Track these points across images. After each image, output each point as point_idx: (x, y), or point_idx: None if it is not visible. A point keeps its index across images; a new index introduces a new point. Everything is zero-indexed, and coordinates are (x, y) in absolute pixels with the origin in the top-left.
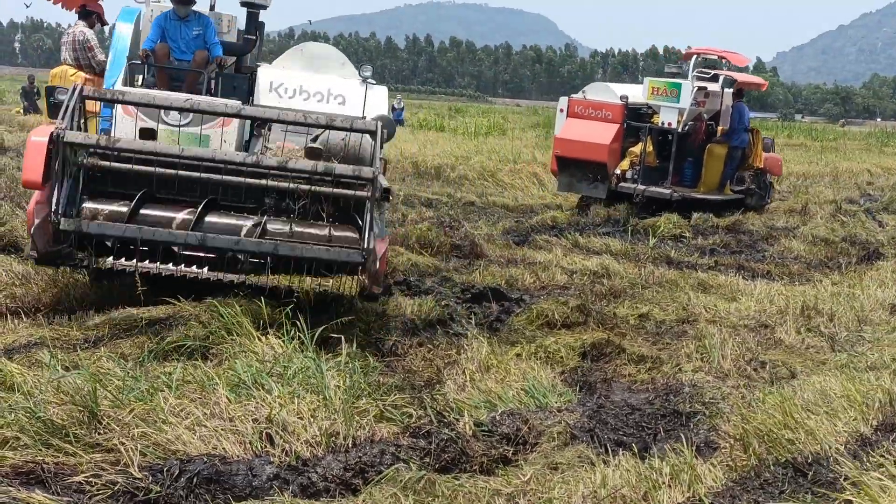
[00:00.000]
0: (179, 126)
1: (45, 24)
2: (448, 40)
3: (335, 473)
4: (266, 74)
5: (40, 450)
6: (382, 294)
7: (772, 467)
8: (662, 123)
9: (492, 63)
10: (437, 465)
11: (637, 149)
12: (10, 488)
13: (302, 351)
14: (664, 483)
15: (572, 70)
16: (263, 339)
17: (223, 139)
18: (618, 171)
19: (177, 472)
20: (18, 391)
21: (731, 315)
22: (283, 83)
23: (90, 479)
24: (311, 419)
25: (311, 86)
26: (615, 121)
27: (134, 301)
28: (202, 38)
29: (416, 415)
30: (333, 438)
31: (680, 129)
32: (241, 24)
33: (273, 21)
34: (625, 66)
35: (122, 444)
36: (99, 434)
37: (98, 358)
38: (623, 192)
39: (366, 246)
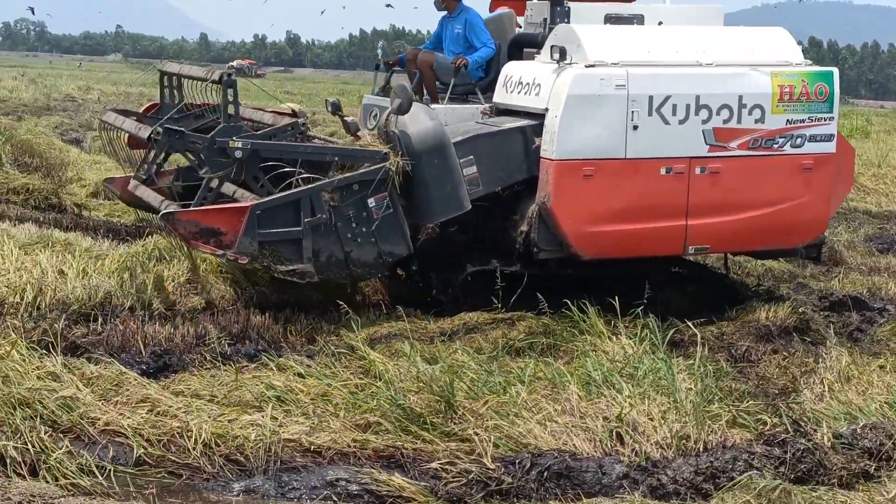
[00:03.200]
0: None
1: (407, 31)
2: (807, 40)
3: (685, 477)
4: None
5: (400, 435)
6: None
7: None
8: None
9: (855, 63)
10: (792, 476)
11: None
12: (373, 470)
13: (653, 352)
14: None
15: None
16: (614, 338)
17: None
18: None
19: (528, 464)
20: (380, 379)
21: None
22: None
23: (446, 466)
24: (662, 421)
25: None
26: None
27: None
28: (462, 36)
29: (771, 422)
30: (684, 441)
31: None
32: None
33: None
34: None
35: (477, 434)
36: (455, 423)
37: (454, 351)
38: None
39: None
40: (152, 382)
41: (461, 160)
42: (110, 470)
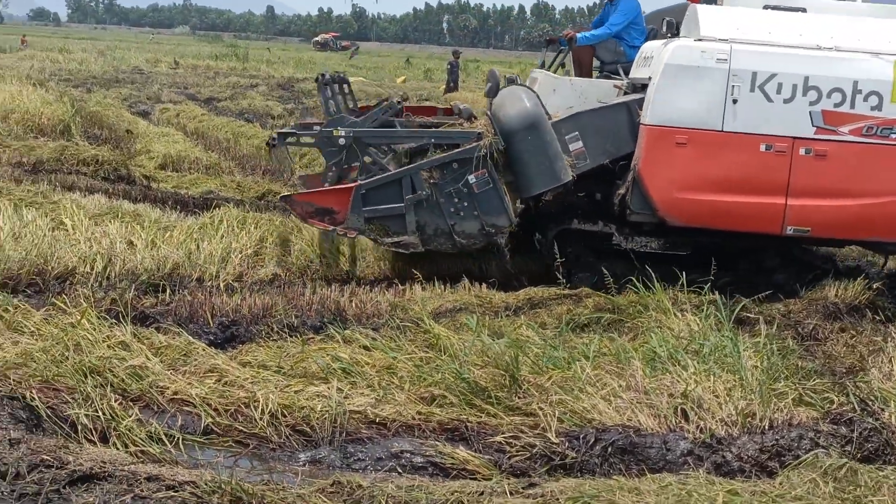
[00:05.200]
0: None
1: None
2: None
3: (750, 454)
4: None
5: (464, 409)
6: None
7: None
8: None
9: None
10: (858, 455)
11: None
12: (437, 443)
13: (718, 329)
14: None
15: None
16: (679, 315)
17: None
18: None
19: (592, 440)
20: (445, 353)
21: None
22: None
23: (509, 440)
24: (727, 398)
25: None
26: None
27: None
28: (607, 17)
29: (837, 401)
30: (749, 419)
31: None
32: None
33: None
34: None
35: (541, 409)
36: (519, 398)
37: (519, 325)
38: None
39: None
40: (220, 353)
41: (567, 136)
42: (179, 438)
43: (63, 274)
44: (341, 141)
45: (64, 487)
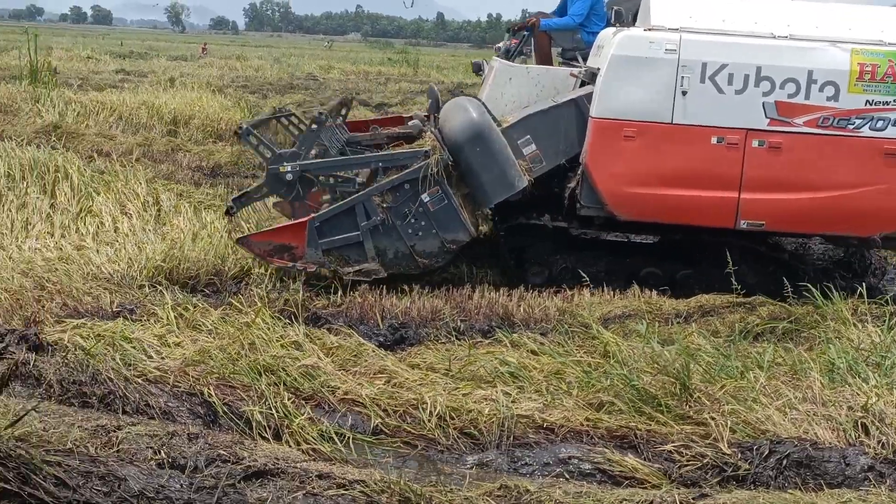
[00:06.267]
0: None
1: None
2: None
3: None
4: None
5: (633, 416)
6: None
7: None
8: None
9: None
10: None
11: None
12: (605, 450)
13: None
14: None
15: None
16: (859, 325)
17: None
18: None
19: (766, 451)
20: (613, 359)
21: None
22: None
23: (679, 449)
24: None
25: None
26: None
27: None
28: (568, 3)
29: None
30: None
31: None
32: None
33: None
34: None
35: (713, 418)
36: (689, 406)
37: (689, 333)
38: None
39: None
40: (389, 354)
41: (519, 140)
42: (349, 437)
43: (239, 275)
44: (288, 177)
45: (239, 482)
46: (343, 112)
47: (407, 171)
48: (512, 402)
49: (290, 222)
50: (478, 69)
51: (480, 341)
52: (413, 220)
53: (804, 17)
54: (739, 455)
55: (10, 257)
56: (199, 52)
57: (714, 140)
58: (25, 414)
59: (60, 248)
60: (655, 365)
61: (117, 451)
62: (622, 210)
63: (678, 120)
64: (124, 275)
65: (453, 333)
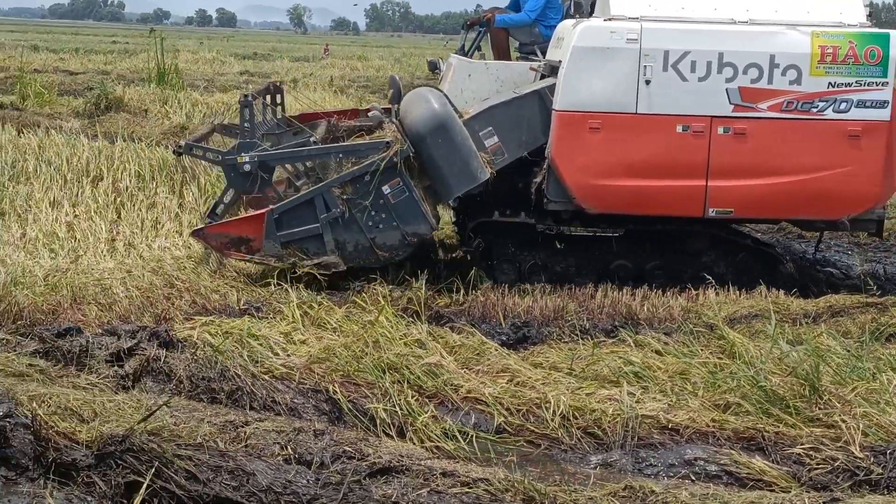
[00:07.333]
0: None
1: None
2: None
3: None
4: None
5: (760, 418)
6: None
7: None
8: None
9: None
10: None
11: None
12: (732, 451)
13: None
14: None
15: None
16: None
17: None
18: None
19: None
20: (740, 359)
21: None
22: None
23: (809, 452)
24: None
25: None
26: None
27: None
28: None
29: None
30: None
31: None
32: None
33: None
34: None
35: (844, 421)
36: (819, 409)
37: (818, 334)
38: None
39: None
40: (512, 353)
41: (481, 132)
42: (472, 436)
43: (362, 273)
44: (246, 167)
45: (364, 479)
46: (279, 99)
47: (367, 162)
48: (636, 402)
49: (247, 214)
50: (434, 67)
51: (604, 340)
52: (373, 213)
53: (763, 1)
54: (872, 459)
55: (141, 256)
56: (321, 52)
57: (679, 128)
58: (158, 409)
59: (189, 247)
60: (783, 366)
61: (245, 447)
62: (590, 203)
63: (642, 109)
64: (250, 273)
65: (576, 332)
